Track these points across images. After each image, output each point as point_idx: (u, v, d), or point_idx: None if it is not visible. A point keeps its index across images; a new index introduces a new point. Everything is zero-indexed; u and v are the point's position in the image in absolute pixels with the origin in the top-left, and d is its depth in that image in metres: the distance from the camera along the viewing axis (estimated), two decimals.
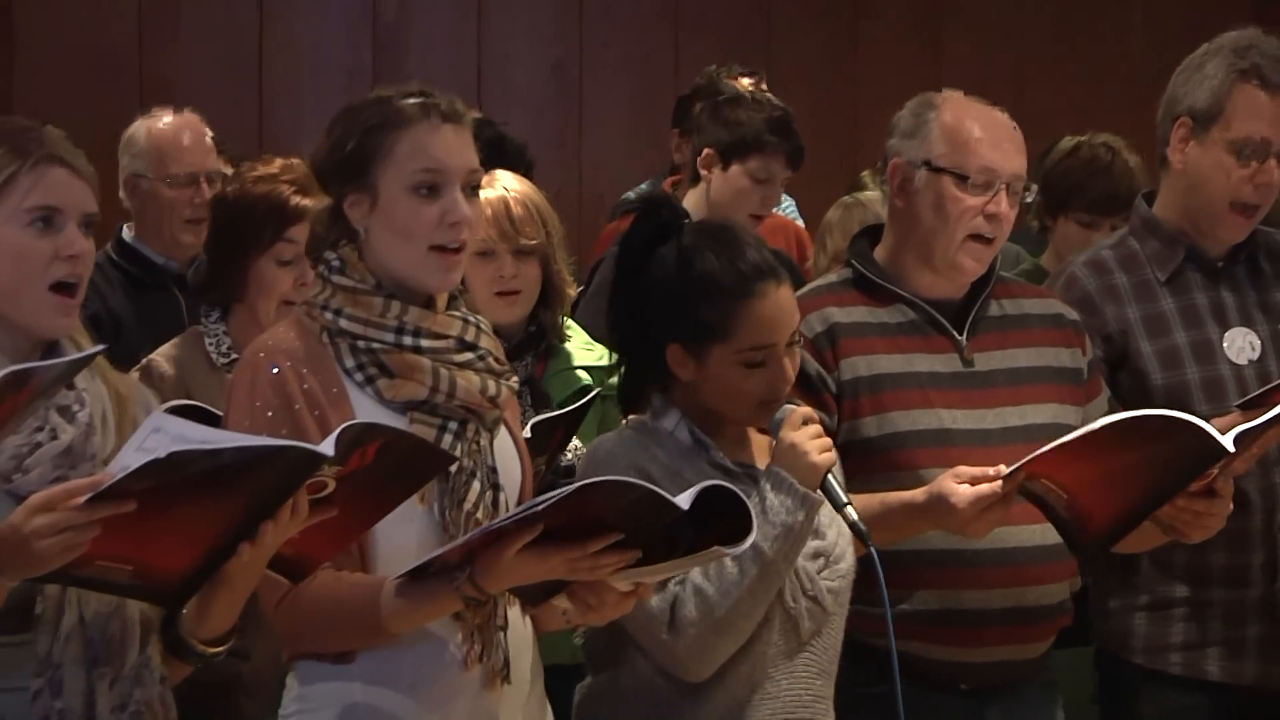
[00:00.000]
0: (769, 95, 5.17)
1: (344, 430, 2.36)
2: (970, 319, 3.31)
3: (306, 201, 3.55)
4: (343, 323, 2.75)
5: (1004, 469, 2.96)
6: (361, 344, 2.75)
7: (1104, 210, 4.65)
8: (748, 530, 2.53)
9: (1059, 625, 3.32)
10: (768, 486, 2.81)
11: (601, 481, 2.50)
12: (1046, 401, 3.27)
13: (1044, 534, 3.19)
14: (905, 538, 3.09)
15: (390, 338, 2.75)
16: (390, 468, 2.47)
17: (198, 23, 6.92)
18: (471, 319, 2.84)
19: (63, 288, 2.54)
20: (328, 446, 2.33)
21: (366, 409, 2.73)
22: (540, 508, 2.49)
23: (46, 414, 2.51)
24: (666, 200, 3.12)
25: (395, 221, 2.76)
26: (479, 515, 2.75)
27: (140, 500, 2.25)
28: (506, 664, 2.78)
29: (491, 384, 2.80)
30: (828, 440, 2.85)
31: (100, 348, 2.40)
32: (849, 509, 2.83)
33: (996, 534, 3.18)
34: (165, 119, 4.68)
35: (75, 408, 2.54)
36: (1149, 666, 3.52)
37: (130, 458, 2.25)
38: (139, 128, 4.66)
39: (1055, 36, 7.83)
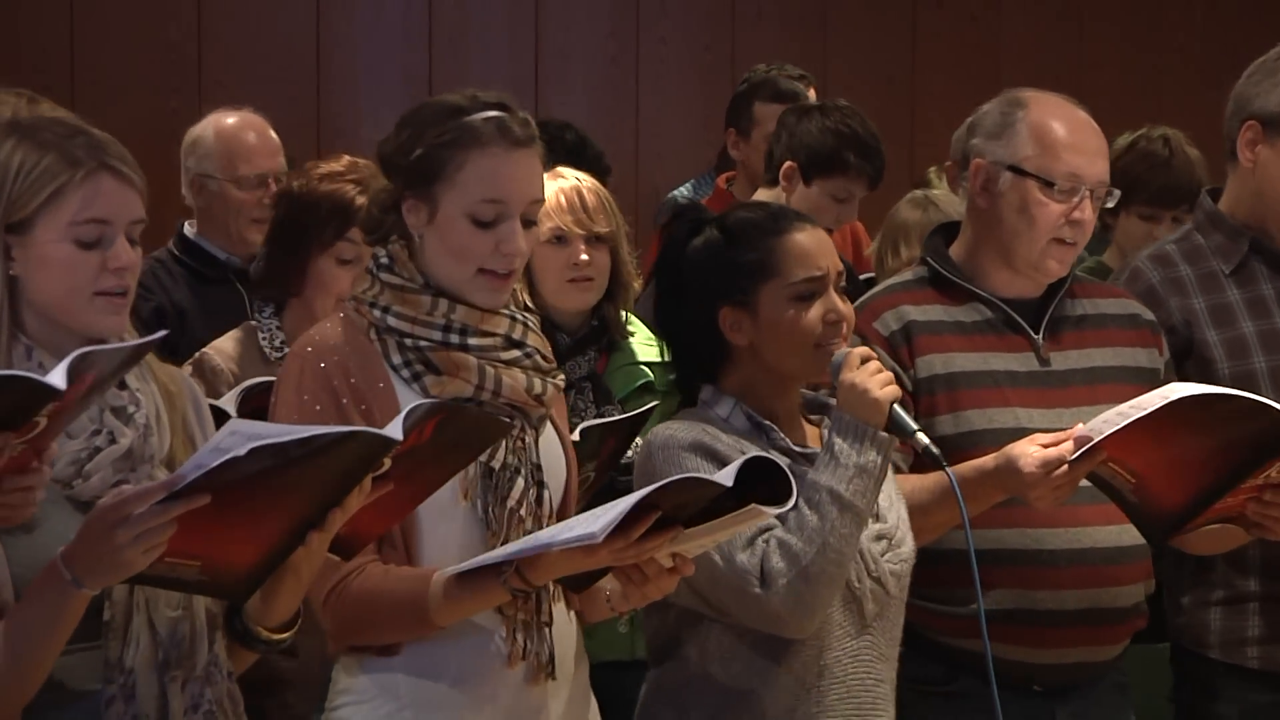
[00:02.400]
0: (854, 108, 5.09)
1: (410, 412, 2.37)
2: (1046, 318, 3.30)
3: None
4: (390, 320, 2.76)
5: (1078, 429, 2.94)
6: (409, 341, 2.76)
7: (1165, 203, 4.62)
8: (789, 494, 2.53)
9: (1134, 627, 3.30)
10: (834, 430, 2.82)
11: (668, 484, 2.51)
12: (1123, 401, 3.19)
13: (1119, 535, 3.18)
14: (976, 510, 3.05)
15: (437, 336, 2.76)
16: (447, 442, 2.48)
17: (256, 21, 6.93)
18: (519, 317, 2.84)
19: (108, 293, 2.52)
20: (396, 430, 2.34)
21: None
22: (615, 520, 2.48)
23: (102, 417, 2.50)
24: (694, 205, 3.13)
25: (449, 241, 2.76)
26: (522, 512, 2.76)
27: (213, 495, 2.25)
28: (552, 660, 2.79)
29: (538, 382, 2.80)
30: (889, 374, 2.84)
31: (161, 334, 2.39)
32: (919, 435, 2.82)
33: (1071, 534, 3.18)
34: (230, 119, 4.67)
35: (131, 409, 2.53)
36: (1226, 661, 3.49)
37: (206, 458, 2.25)
38: (205, 128, 4.65)
39: (1115, 31, 7.77)
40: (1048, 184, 3.24)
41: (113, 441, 2.49)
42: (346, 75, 7.02)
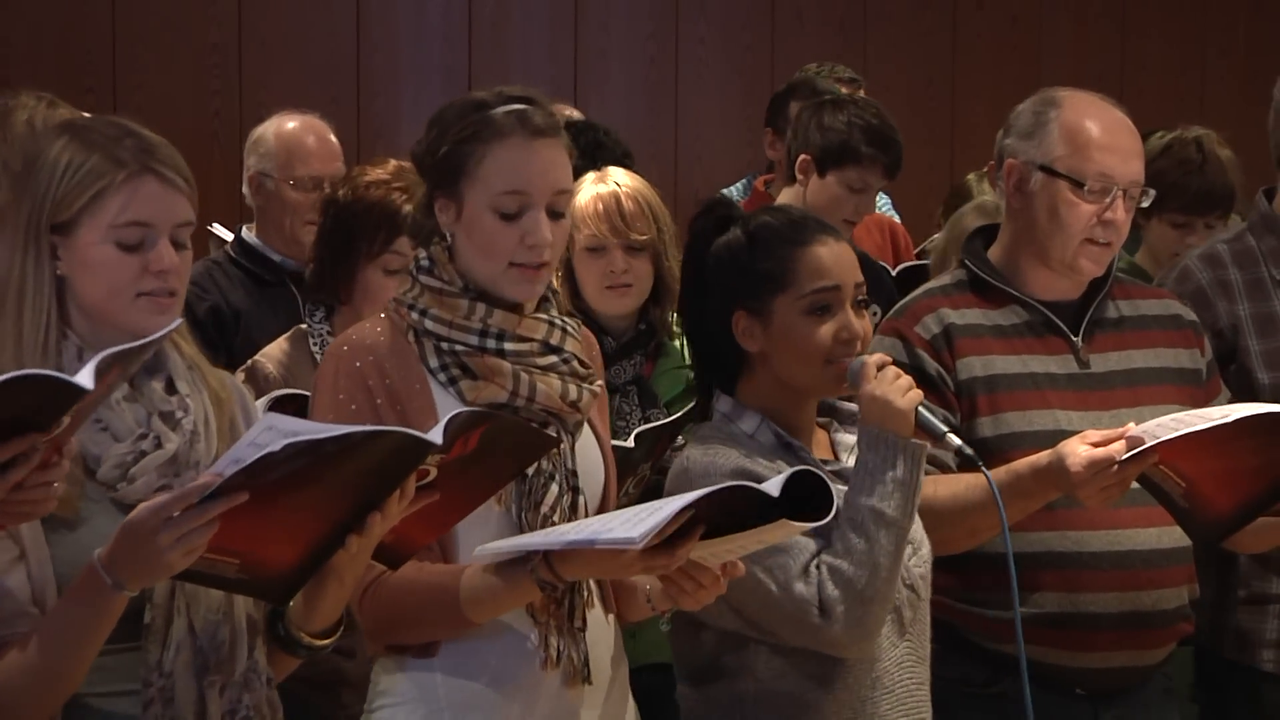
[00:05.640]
0: (870, 101, 5.10)
1: (451, 419, 2.36)
2: (1086, 320, 3.28)
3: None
4: (428, 323, 2.76)
5: (1131, 429, 2.92)
6: (445, 345, 2.75)
7: (1197, 211, 4.57)
8: (826, 508, 2.50)
9: (1179, 632, 3.27)
10: (865, 445, 2.79)
11: (711, 493, 2.48)
12: (1165, 403, 3.21)
13: (1160, 537, 3.16)
14: (1032, 506, 3.04)
15: (474, 340, 2.75)
16: (492, 453, 2.46)
17: (297, 23, 6.96)
18: (558, 322, 2.82)
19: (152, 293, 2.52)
20: (436, 435, 2.33)
21: (449, 408, 2.72)
22: (656, 528, 2.44)
23: (150, 421, 2.50)
24: (723, 200, 3.11)
25: (476, 237, 2.75)
26: (555, 518, 2.74)
27: (251, 492, 2.25)
28: (586, 664, 2.78)
29: (573, 388, 2.79)
30: (908, 380, 2.80)
31: (176, 323, 2.39)
32: (950, 436, 2.79)
33: (1113, 537, 3.16)
34: (292, 122, 4.72)
35: (179, 414, 2.53)
36: (1243, 663, 3.48)
37: (243, 452, 2.24)
38: (268, 128, 4.71)
39: (1158, 32, 7.74)
40: (1078, 184, 3.22)
41: (158, 446, 2.49)
42: (387, 77, 7.04)
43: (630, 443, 3.26)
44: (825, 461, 2.88)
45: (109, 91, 6.63)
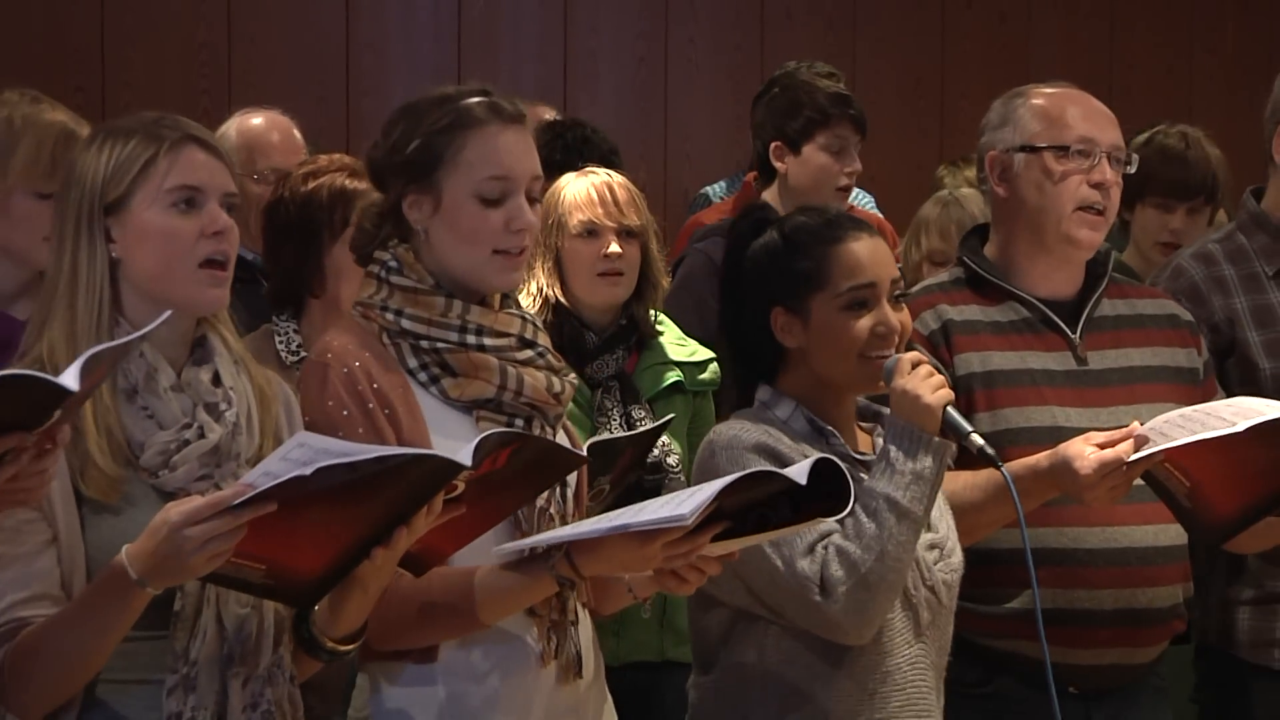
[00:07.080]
0: (816, 70, 5.13)
1: (483, 440, 2.38)
2: (1084, 318, 3.29)
3: (361, 185, 3.58)
4: (404, 323, 2.76)
5: (1136, 427, 2.93)
6: (425, 344, 2.76)
7: (1179, 195, 4.61)
8: (847, 499, 2.51)
9: (1172, 630, 3.28)
10: (889, 437, 2.81)
11: (741, 477, 2.49)
12: (1162, 401, 3.22)
13: (1156, 535, 3.17)
14: (1028, 507, 3.02)
15: (454, 337, 2.76)
16: (520, 469, 2.49)
17: (285, 23, 6.95)
18: (528, 317, 2.85)
19: (211, 263, 2.55)
20: (466, 457, 2.36)
21: (432, 409, 2.74)
22: (704, 504, 2.46)
23: (195, 411, 2.53)
24: (761, 204, 3.17)
25: (459, 226, 2.76)
26: (551, 510, 2.76)
27: (280, 504, 2.27)
28: (579, 658, 2.79)
29: (555, 381, 2.81)
30: (940, 378, 2.82)
31: (165, 315, 2.39)
32: (974, 436, 2.80)
33: (1109, 534, 3.16)
34: (255, 118, 4.73)
35: (223, 406, 2.56)
36: (1253, 662, 3.48)
37: (275, 466, 2.27)
38: (230, 125, 4.71)
39: (1146, 30, 7.74)
40: (1061, 149, 3.25)
41: (201, 436, 2.52)
42: (376, 77, 7.03)
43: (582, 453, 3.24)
44: (861, 453, 2.90)
45: (98, 90, 6.61)
